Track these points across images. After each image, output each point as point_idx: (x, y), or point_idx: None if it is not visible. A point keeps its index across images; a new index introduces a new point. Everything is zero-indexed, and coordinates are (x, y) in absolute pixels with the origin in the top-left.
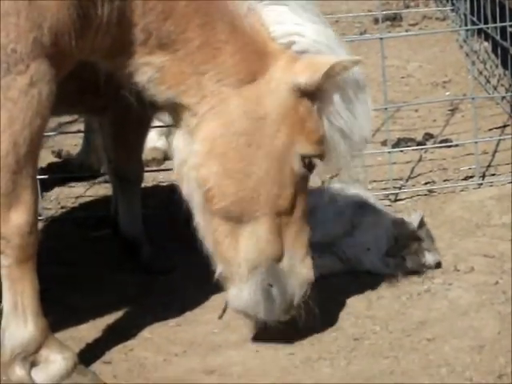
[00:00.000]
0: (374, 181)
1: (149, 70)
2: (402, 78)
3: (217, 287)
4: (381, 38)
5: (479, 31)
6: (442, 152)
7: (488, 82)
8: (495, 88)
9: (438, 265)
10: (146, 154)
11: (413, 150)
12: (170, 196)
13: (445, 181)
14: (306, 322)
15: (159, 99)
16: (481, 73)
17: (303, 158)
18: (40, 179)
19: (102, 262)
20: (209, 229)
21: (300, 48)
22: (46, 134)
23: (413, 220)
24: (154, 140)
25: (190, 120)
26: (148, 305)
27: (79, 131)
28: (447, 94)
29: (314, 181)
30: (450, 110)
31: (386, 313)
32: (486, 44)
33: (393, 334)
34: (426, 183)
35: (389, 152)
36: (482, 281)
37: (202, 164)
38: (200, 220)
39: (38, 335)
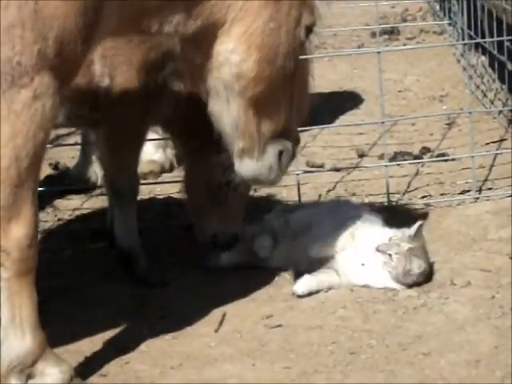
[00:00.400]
0: (371, 194)
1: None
2: (400, 91)
3: (213, 301)
4: (378, 52)
5: (476, 45)
6: (439, 166)
7: (485, 96)
8: (492, 102)
9: (425, 275)
10: (143, 167)
11: (410, 163)
12: (166, 209)
13: (441, 195)
14: None
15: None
16: (478, 87)
17: (306, 28)
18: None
19: (98, 274)
20: (232, 112)
21: None
22: None
23: (411, 228)
24: (151, 153)
25: (221, 33)
26: (144, 318)
27: (76, 144)
28: (444, 107)
29: (312, 195)
30: (447, 124)
31: (383, 327)
32: (483, 58)
33: (389, 348)
34: (422, 197)
35: (385, 166)
36: (479, 295)
37: (244, 59)
38: (223, 107)
39: (36, 348)
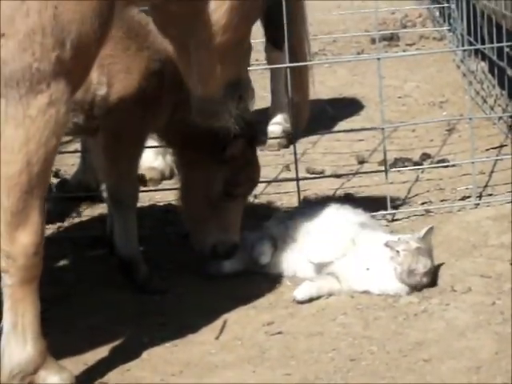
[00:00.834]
0: (371, 201)
1: None
2: (399, 97)
3: (213, 308)
4: (378, 58)
5: (476, 51)
6: (439, 172)
7: (485, 102)
8: (492, 108)
9: (429, 277)
10: (143, 175)
11: (410, 170)
12: (166, 216)
13: (442, 201)
14: None
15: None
16: (478, 93)
17: None
18: None
19: (98, 281)
20: (200, 59)
21: None
22: None
23: (422, 230)
24: (150, 160)
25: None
26: (145, 325)
27: (76, 151)
28: (444, 114)
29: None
30: (447, 130)
31: (383, 333)
32: (482, 64)
33: (390, 354)
34: (422, 203)
35: (386, 172)
36: (480, 301)
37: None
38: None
39: (37, 357)
